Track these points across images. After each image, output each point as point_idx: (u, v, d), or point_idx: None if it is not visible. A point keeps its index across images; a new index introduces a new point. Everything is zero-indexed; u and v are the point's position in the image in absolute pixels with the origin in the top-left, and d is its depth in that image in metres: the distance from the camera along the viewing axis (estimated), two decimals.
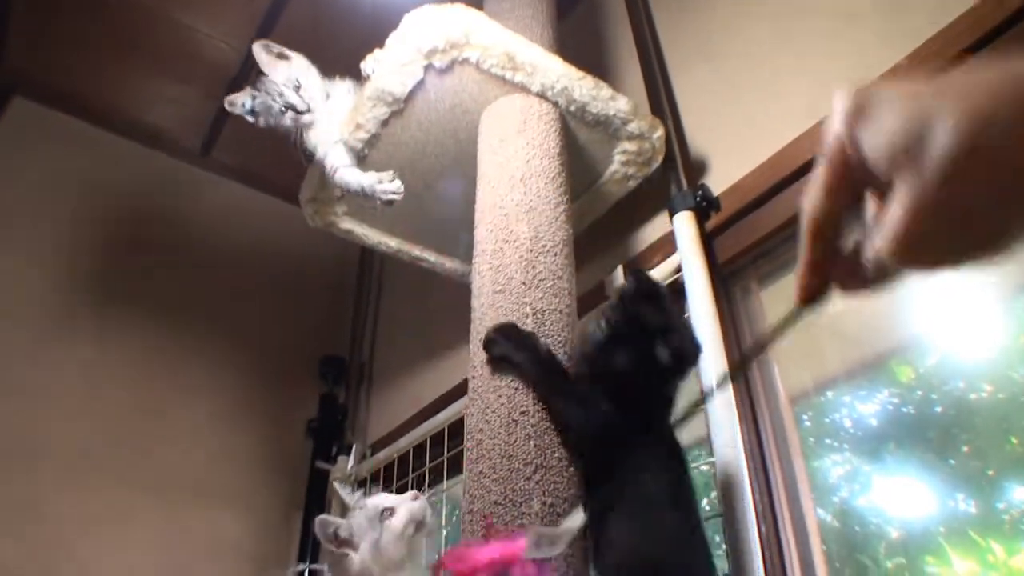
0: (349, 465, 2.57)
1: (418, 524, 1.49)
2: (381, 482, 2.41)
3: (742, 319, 1.65)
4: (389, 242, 1.97)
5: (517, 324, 1.20)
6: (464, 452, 1.18)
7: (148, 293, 2.76)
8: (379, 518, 1.47)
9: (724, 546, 1.27)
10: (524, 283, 1.24)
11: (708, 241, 1.63)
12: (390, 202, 1.63)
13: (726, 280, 1.66)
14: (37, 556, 2.21)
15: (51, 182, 2.72)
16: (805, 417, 1.66)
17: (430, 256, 2.03)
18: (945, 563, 1.38)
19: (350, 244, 2.74)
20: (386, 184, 1.62)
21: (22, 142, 2.73)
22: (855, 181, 0.45)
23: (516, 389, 1.13)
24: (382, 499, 1.53)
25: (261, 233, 3.15)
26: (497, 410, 1.13)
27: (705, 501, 1.33)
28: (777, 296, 1.67)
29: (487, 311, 1.25)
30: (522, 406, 1.11)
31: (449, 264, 2.05)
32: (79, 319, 2.57)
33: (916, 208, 0.40)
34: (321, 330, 3.13)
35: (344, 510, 2.51)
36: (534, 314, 1.21)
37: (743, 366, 1.47)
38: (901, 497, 1.49)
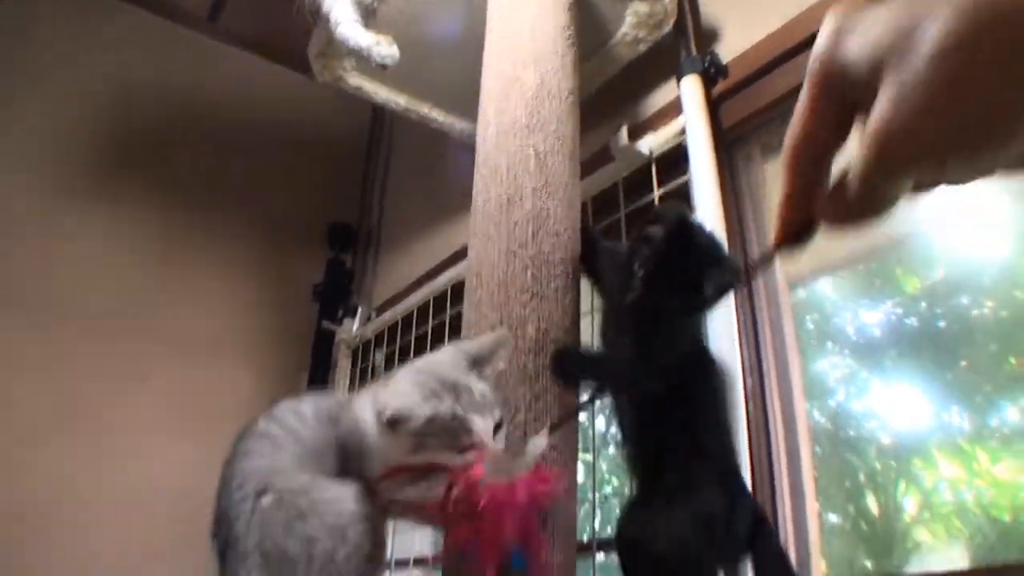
0: (354, 327, 2.64)
1: None
2: (385, 343, 2.49)
3: (743, 187, 1.67)
4: (398, 100, 1.98)
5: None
6: (465, 284, 1.22)
7: (160, 159, 2.80)
8: None
9: None
10: (527, 126, 1.26)
11: (714, 107, 1.64)
12: (384, 66, 1.61)
13: (730, 147, 1.67)
14: (56, 409, 2.32)
15: (61, 52, 2.70)
16: (808, 319, 1.68)
17: (439, 115, 2.04)
18: (931, 466, 1.41)
19: (360, 111, 2.75)
20: (383, 48, 1.58)
21: (30, 11, 2.69)
22: (840, 105, 0.42)
23: (516, 223, 1.17)
24: None
25: (271, 100, 3.15)
26: (496, 242, 1.17)
27: None
28: (779, 169, 1.68)
29: (491, 152, 1.27)
30: (521, 239, 1.15)
31: (458, 124, 2.06)
32: (93, 186, 2.62)
33: (901, 100, 0.37)
34: (329, 196, 3.18)
35: (350, 376, 2.60)
36: (536, 155, 1.23)
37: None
38: (896, 405, 1.50)
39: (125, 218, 2.64)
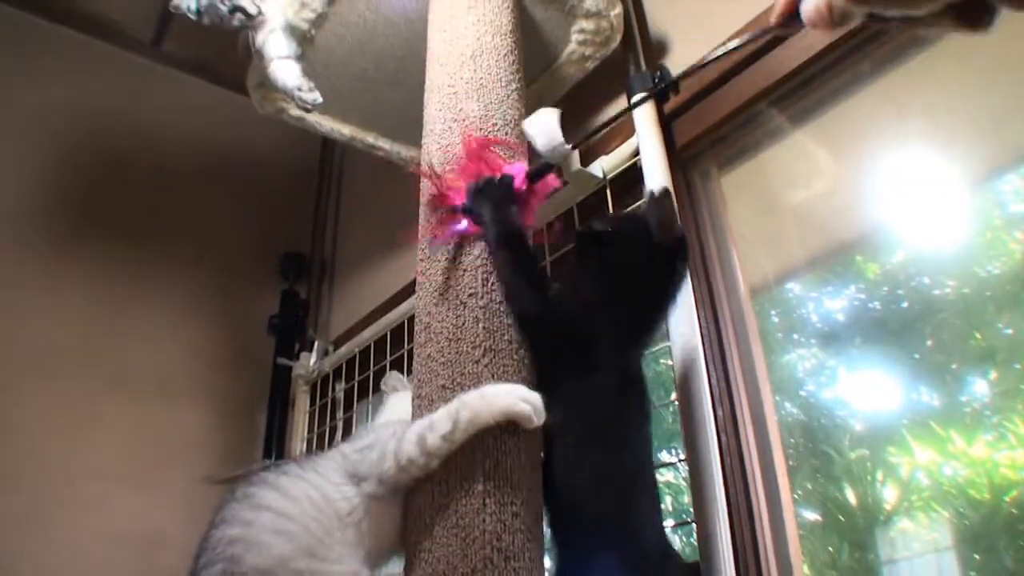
0: (312, 361, 2.56)
1: None
2: (343, 378, 2.41)
3: (701, 204, 1.63)
4: (342, 130, 1.91)
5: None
6: (414, 336, 1.16)
7: (105, 191, 2.69)
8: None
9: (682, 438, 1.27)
10: None
11: (667, 124, 1.59)
12: (307, 109, 1.64)
13: (685, 164, 1.63)
14: (6, 458, 2.21)
15: None
16: (773, 313, 1.68)
17: (385, 144, 1.97)
18: (907, 453, 1.40)
19: (310, 139, 2.66)
20: (304, 93, 1.60)
21: None
22: None
23: (464, 271, 1.11)
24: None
25: (219, 128, 3.04)
26: (445, 293, 1.10)
27: (673, 396, 1.32)
28: (738, 182, 1.64)
29: None
30: (471, 288, 1.09)
31: (405, 152, 1.99)
32: (36, 221, 2.51)
33: None
34: (282, 226, 3.07)
35: (309, 413, 2.52)
36: None
37: None
38: (866, 391, 1.51)
39: (67, 254, 2.53)
